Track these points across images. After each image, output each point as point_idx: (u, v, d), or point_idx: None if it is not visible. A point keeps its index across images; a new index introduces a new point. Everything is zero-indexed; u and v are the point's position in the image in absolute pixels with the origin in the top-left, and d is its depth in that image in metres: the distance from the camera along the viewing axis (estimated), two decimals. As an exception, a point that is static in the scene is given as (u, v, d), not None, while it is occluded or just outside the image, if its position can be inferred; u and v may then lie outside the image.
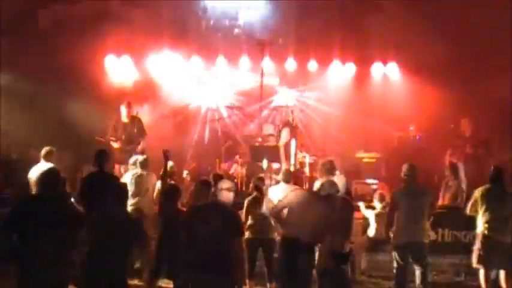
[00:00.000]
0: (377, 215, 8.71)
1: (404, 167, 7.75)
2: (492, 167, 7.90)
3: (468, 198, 8.24)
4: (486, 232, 7.60)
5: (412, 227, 7.45)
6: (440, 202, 9.72)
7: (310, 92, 12.93)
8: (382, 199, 8.83)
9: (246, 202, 7.88)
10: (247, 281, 7.92)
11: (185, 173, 10.88)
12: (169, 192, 7.26)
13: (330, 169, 7.66)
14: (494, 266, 7.65)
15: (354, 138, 11.95)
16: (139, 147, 10.42)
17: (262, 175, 8.97)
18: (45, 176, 6.12)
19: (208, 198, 6.59)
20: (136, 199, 8.52)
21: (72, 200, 7.44)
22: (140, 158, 8.99)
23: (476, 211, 7.74)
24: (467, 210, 7.94)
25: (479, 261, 7.70)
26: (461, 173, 9.92)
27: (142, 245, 6.76)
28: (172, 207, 7.04)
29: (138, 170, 8.77)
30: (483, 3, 11.26)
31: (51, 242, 5.63)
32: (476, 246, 7.73)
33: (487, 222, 7.60)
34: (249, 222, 7.80)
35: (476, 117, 11.33)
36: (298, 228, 6.53)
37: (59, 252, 5.68)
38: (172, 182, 8.04)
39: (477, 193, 7.79)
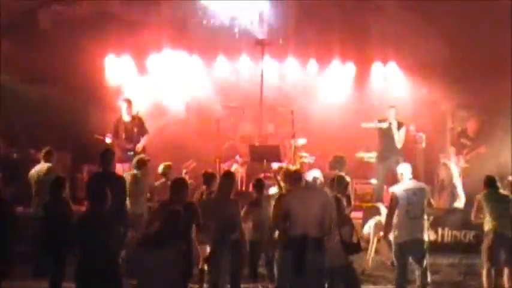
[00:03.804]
0: None
1: (399, 168, 7.95)
2: (485, 176, 8.20)
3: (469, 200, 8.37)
4: (497, 229, 7.78)
5: (413, 223, 7.48)
6: (435, 203, 9.73)
7: (310, 92, 12.90)
8: None
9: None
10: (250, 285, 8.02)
11: (184, 172, 10.88)
12: (177, 186, 7.07)
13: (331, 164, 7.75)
14: (501, 263, 7.82)
15: (353, 138, 11.92)
16: (140, 146, 10.44)
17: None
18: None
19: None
20: (132, 199, 8.51)
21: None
22: (137, 158, 9.00)
23: (482, 217, 7.94)
24: (473, 218, 8.13)
25: (488, 259, 7.81)
26: (456, 173, 9.94)
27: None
28: (180, 201, 6.87)
29: (134, 171, 8.76)
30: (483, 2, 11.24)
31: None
32: (486, 244, 7.84)
33: (495, 219, 7.81)
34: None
35: (477, 116, 11.33)
36: (303, 224, 6.51)
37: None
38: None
39: (479, 198, 8.04)
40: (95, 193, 6.57)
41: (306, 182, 6.85)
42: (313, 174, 6.89)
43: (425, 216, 7.64)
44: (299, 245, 6.44)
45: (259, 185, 8.20)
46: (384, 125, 10.41)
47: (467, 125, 11.05)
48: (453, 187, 9.84)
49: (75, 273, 6.22)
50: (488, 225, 7.89)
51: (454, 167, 10.16)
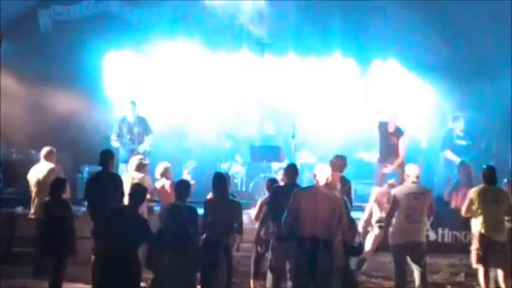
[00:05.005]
0: None
1: (407, 167, 7.82)
2: (485, 166, 8.03)
3: None
4: (483, 231, 7.68)
5: (411, 227, 7.47)
6: (452, 205, 9.69)
7: (310, 91, 12.87)
8: None
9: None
10: (251, 280, 8.04)
11: (185, 173, 10.87)
12: (180, 188, 7.09)
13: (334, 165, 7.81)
14: (493, 265, 7.73)
15: (353, 138, 11.93)
16: (144, 146, 10.46)
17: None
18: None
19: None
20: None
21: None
22: (135, 159, 8.99)
23: (472, 212, 7.81)
24: (463, 212, 8.01)
25: (478, 261, 7.75)
26: (473, 175, 9.86)
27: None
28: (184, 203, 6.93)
29: (132, 172, 8.76)
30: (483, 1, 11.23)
31: None
32: (474, 246, 7.79)
33: (484, 221, 7.69)
34: None
35: (475, 116, 11.33)
36: (313, 225, 6.50)
37: None
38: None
39: (472, 194, 7.86)
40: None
41: (317, 182, 6.82)
42: (325, 175, 6.88)
43: (426, 220, 7.64)
44: (309, 245, 6.43)
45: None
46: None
47: (455, 125, 10.95)
48: (469, 187, 9.77)
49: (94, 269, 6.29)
50: (476, 226, 7.78)
51: (471, 167, 10.03)
